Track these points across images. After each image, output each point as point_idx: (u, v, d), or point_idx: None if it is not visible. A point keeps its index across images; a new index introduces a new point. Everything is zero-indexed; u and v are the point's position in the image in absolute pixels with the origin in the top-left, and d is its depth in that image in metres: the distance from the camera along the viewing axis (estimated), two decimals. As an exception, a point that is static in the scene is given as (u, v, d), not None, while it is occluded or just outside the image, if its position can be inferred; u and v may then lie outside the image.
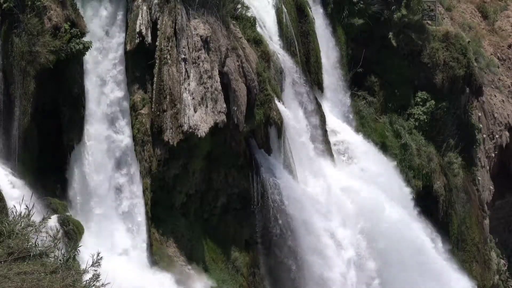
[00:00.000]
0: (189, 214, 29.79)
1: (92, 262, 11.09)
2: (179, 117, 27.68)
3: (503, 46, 51.23)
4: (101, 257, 11.32)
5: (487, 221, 45.16)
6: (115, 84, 27.54)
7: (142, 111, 27.84)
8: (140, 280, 26.48)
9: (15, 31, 24.42)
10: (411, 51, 41.51)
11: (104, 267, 11.94)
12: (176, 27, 28.21)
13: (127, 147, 27.64)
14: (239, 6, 31.89)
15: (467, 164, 43.39)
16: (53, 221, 23.63)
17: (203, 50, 28.60)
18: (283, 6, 34.89)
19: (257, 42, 32.23)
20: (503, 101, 48.56)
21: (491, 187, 46.46)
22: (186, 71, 28.19)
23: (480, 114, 45.66)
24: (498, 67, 49.39)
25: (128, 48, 27.47)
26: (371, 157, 37.77)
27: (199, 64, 28.43)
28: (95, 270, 11.30)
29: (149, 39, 27.68)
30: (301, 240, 31.61)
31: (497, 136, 47.25)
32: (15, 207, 12.78)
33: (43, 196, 24.72)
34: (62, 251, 12.16)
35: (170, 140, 27.66)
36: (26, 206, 12.44)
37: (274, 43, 34.05)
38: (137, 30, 27.49)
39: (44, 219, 12.46)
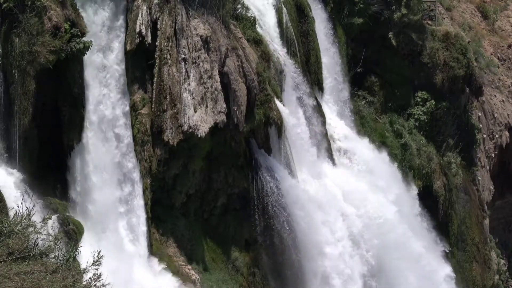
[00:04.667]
0: (189, 214, 29.78)
1: (93, 261, 11.06)
2: (179, 117, 27.67)
3: (503, 46, 51.23)
4: (102, 255, 11.29)
5: (487, 221, 45.15)
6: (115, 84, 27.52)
7: (142, 111, 27.83)
8: (140, 280, 26.47)
9: (15, 31, 24.40)
10: (411, 51, 41.50)
11: (104, 267, 11.93)
12: (176, 27, 28.20)
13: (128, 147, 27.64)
14: (239, 6, 31.88)
15: (467, 164, 43.39)
16: (53, 221, 23.64)
17: (203, 50, 28.59)
18: (283, 6, 34.88)
19: (257, 42, 32.22)
20: (503, 101, 48.55)
21: (491, 187, 46.44)
22: (186, 71, 28.18)
23: (480, 114, 45.64)
24: (498, 67, 49.38)
25: (128, 48, 27.45)
26: (371, 157, 37.77)
27: (199, 64, 28.42)
28: (96, 269, 11.27)
29: (149, 39, 27.67)
30: (301, 239, 31.61)
31: (497, 136, 47.23)
32: (18, 206, 12.74)
33: (43, 196, 24.71)
34: (62, 251, 12.14)
35: (170, 140, 27.65)
36: (27, 207, 12.41)
37: (274, 43, 34.03)
38: (137, 30, 27.47)
39: (45, 220, 12.44)
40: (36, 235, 12.03)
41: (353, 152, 37.25)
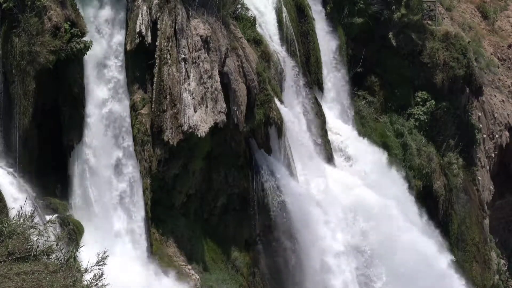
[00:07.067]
0: (189, 214, 29.77)
1: (97, 261, 11.04)
2: (179, 117, 27.66)
3: (503, 46, 51.22)
4: (107, 255, 11.27)
5: (487, 221, 45.14)
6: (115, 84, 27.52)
7: (142, 111, 27.82)
8: (140, 280, 26.46)
9: (15, 31, 24.41)
10: (411, 51, 41.50)
11: (104, 267, 11.90)
12: (176, 27, 28.19)
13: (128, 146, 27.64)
14: (239, 6, 31.88)
15: (467, 164, 43.39)
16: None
17: (203, 50, 28.58)
18: (283, 6, 34.87)
19: (257, 42, 32.22)
20: (503, 101, 48.55)
21: (491, 187, 46.43)
22: (186, 71, 28.17)
23: (480, 114, 45.64)
24: (498, 67, 49.38)
25: (128, 48, 27.44)
26: (371, 157, 37.75)
27: (199, 64, 28.42)
28: (100, 269, 11.25)
29: (149, 39, 27.66)
30: (301, 239, 31.60)
31: (497, 136, 47.23)
32: (20, 208, 12.73)
33: (43, 196, 24.71)
34: (63, 251, 12.13)
35: (170, 140, 27.64)
36: (32, 209, 12.40)
37: (274, 43, 34.02)
38: (137, 30, 27.47)
39: (48, 222, 12.43)
40: (37, 236, 12.02)
41: (353, 152, 37.24)
